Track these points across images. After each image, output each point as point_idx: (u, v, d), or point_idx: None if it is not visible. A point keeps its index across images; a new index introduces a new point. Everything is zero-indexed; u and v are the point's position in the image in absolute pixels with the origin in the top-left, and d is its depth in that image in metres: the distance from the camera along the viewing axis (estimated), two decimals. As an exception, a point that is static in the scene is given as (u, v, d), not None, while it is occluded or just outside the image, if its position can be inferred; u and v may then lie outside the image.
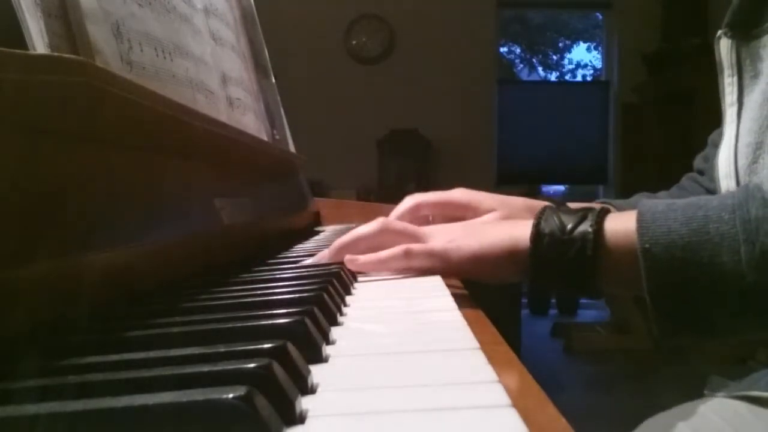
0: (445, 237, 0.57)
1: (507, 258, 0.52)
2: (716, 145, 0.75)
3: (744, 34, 0.60)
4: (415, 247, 0.56)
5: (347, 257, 0.58)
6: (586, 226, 0.49)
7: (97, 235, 0.39)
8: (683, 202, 0.47)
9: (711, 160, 0.77)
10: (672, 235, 0.44)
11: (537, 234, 0.50)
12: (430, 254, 0.56)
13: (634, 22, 4.07)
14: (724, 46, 0.63)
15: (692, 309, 0.45)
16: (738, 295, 0.43)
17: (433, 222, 0.70)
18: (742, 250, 0.42)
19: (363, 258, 0.58)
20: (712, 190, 0.75)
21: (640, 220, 0.46)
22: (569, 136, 4.31)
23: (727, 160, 0.61)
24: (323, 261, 0.62)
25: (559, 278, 0.50)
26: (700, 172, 0.81)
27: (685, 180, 0.83)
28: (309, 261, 0.64)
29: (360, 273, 0.59)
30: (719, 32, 0.63)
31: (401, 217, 0.68)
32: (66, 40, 0.42)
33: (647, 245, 0.45)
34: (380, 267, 0.57)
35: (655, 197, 0.81)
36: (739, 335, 0.48)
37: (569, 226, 0.49)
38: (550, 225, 0.50)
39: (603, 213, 0.50)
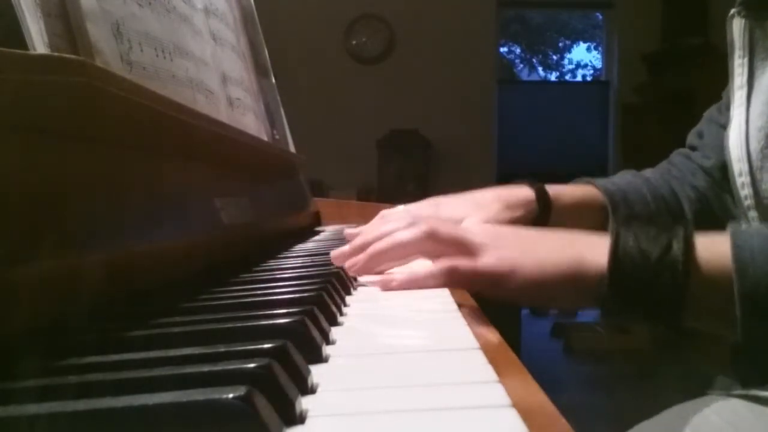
0: (499, 255, 0.49)
1: (572, 285, 0.46)
2: (714, 121, 0.75)
3: (758, 14, 0.58)
4: (461, 266, 0.48)
5: (382, 278, 0.52)
6: (675, 256, 0.43)
7: (97, 234, 0.39)
8: None
9: (706, 136, 0.76)
10: None
11: (615, 262, 0.44)
12: (479, 276, 0.48)
13: (635, 22, 4.07)
14: (737, 26, 0.60)
15: None
16: None
17: None
18: None
19: (399, 279, 0.51)
20: (706, 167, 0.74)
21: (737, 257, 0.41)
22: (569, 136, 4.31)
23: (738, 144, 0.60)
24: (354, 270, 0.55)
25: (640, 311, 0.45)
26: (693, 148, 0.78)
27: (675, 155, 0.81)
28: (336, 255, 0.58)
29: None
30: (732, 11, 0.60)
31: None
32: (66, 41, 0.42)
33: (747, 290, 0.40)
34: (417, 287, 0.50)
35: (641, 176, 0.78)
36: None
37: (654, 256, 0.44)
38: (629, 254, 0.44)
39: (690, 238, 0.44)
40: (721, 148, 0.65)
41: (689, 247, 0.44)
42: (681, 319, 0.44)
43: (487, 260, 0.48)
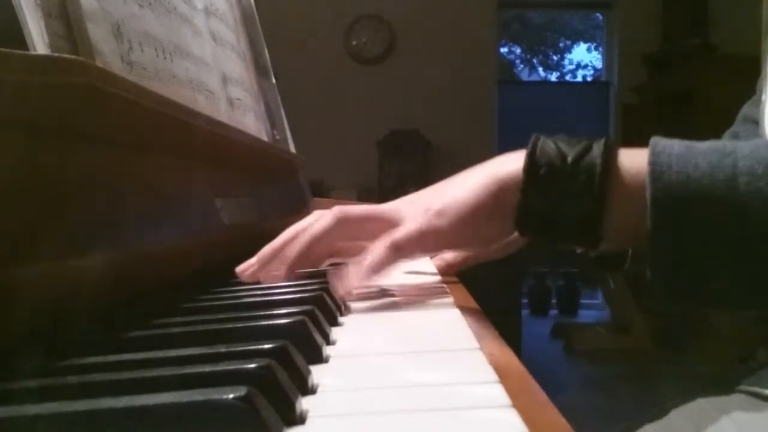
0: (417, 207, 0.47)
1: (496, 204, 0.43)
2: (750, 120, 0.72)
3: None
4: (398, 236, 0.46)
5: (334, 282, 0.46)
6: (593, 158, 0.40)
7: (98, 235, 0.39)
8: (705, 146, 0.39)
9: (742, 137, 0.71)
10: (690, 185, 0.37)
11: (531, 164, 0.41)
12: (419, 236, 0.45)
13: (635, 23, 4.07)
14: None
15: (696, 275, 0.38)
16: (763, 264, 0.36)
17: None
18: None
19: (356, 279, 0.46)
20: None
21: (653, 162, 0.38)
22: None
23: None
24: (274, 277, 0.51)
25: (555, 221, 0.41)
26: None
27: None
28: (241, 270, 0.53)
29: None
30: None
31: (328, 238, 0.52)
32: (66, 41, 0.42)
33: (660, 195, 0.38)
34: (372, 277, 0.46)
35: None
36: (741, 310, 0.43)
37: (571, 156, 0.41)
38: (547, 154, 0.41)
39: (612, 145, 0.41)
40: None
41: (609, 151, 0.41)
42: (597, 232, 0.41)
43: (411, 217, 0.47)
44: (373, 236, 0.48)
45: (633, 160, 0.40)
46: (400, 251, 0.46)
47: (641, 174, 0.39)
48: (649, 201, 0.38)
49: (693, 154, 0.38)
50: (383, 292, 0.52)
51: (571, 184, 0.40)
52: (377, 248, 0.46)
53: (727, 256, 0.37)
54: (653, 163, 0.39)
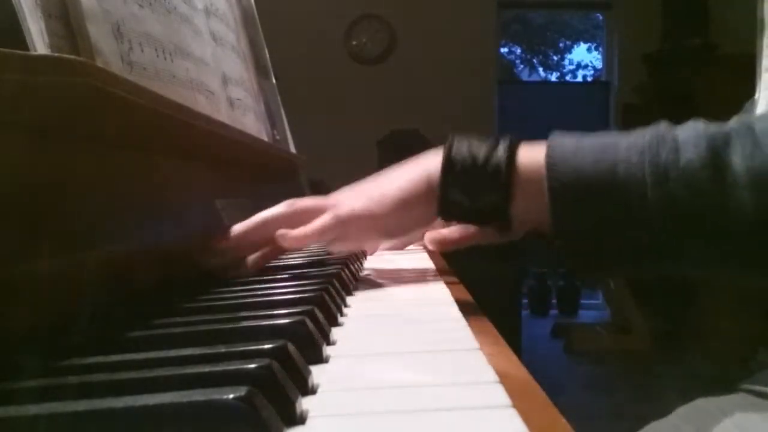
0: (359, 195, 0.55)
1: (426, 195, 0.51)
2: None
3: None
4: (341, 211, 0.54)
5: (279, 232, 0.54)
6: (499, 155, 0.48)
7: (98, 235, 0.39)
8: (593, 140, 0.46)
9: None
10: (579, 174, 0.44)
11: (448, 163, 0.49)
12: (360, 215, 0.53)
13: (635, 23, 4.07)
14: None
15: (597, 249, 0.45)
16: (644, 239, 0.43)
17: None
18: (649, 195, 0.42)
19: (294, 233, 0.54)
20: None
21: (548, 157, 0.45)
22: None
23: None
24: (229, 248, 0.55)
25: (471, 208, 0.49)
26: None
27: None
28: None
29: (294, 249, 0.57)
30: None
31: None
32: (66, 41, 0.42)
33: (555, 184, 0.44)
34: (312, 239, 0.54)
35: None
36: (645, 275, 0.48)
37: (482, 155, 0.48)
38: (461, 153, 0.49)
39: (515, 143, 0.49)
40: None
41: (512, 149, 0.48)
42: (508, 217, 0.48)
43: (353, 202, 0.54)
44: None
45: (533, 155, 0.47)
46: (342, 223, 0.53)
47: (540, 168, 0.46)
48: (546, 190, 0.45)
49: (581, 147, 0.45)
50: (384, 292, 0.52)
51: (481, 179, 0.48)
52: (322, 216, 0.54)
53: (612, 229, 0.44)
54: (549, 156, 0.45)
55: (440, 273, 0.63)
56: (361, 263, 0.73)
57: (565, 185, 0.44)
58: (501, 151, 0.48)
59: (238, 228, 0.56)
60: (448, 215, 0.51)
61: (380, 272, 0.65)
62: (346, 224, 0.54)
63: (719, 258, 0.44)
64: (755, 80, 0.64)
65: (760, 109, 0.60)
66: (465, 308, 0.43)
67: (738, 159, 0.41)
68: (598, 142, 0.46)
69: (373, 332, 0.38)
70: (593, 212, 0.44)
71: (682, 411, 0.54)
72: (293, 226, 0.55)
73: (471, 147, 0.49)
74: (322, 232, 0.54)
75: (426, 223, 0.55)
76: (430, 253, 0.80)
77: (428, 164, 0.51)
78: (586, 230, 0.44)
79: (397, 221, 0.54)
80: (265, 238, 0.56)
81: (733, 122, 0.45)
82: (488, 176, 0.47)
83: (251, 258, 0.57)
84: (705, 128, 0.45)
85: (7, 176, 0.32)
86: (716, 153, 0.42)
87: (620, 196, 0.43)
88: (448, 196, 0.49)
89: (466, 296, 0.52)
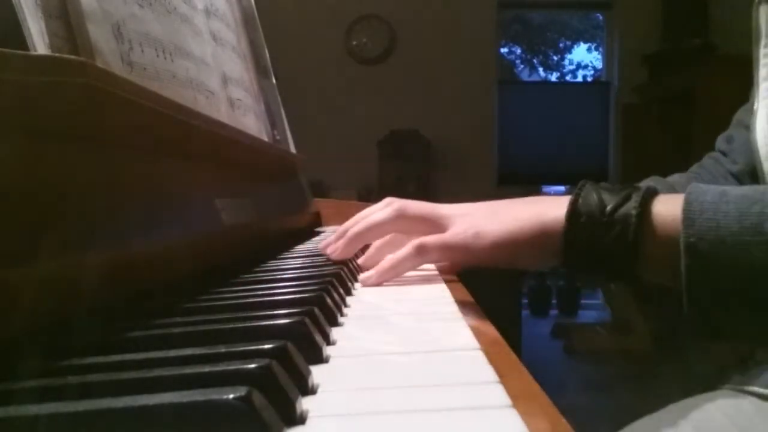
0: (464, 223, 0.52)
1: (537, 242, 0.48)
2: (742, 125, 0.73)
3: None
4: (429, 241, 0.52)
5: (362, 277, 0.55)
6: (629, 208, 0.44)
7: (98, 235, 0.39)
8: (737, 192, 0.42)
9: (735, 140, 0.73)
10: (721, 231, 0.40)
11: (573, 213, 0.46)
12: (448, 248, 0.52)
13: (635, 23, 4.07)
14: (764, 13, 0.59)
15: (732, 314, 0.41)
16: None
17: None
18: None
19: (376, 273, 0.54)
20: (734, 173, 0.72)
21: (686, 210, 0.42)
22: (569, 136, 4.30)
23: (765, 139, 0.58)
24: (336, 255, 0.59)
25: (595, 263, 0.46)
26: (723, 153, 0.76)
27: (707, 159, 0.79)
28: (322, 245, 0.62)
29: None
30: None
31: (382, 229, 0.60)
32: (66, 41, 0.42)
33: (692, 239, 0.40)
34: (395, 274, 0.54)
35: (665, 182, 0.78)
36: None
37: (610, 207, 0.45)
38: (588, 204, 0.46)
39: (650, 194, 0.45)
40: (750, 151, 0.63)
41: (647, 200, 0.45)
42: (635, 273, 0.45)
43: (454, 229, 0.52)
44: (422, 234, 0.54)
45: (668, 208, 0.44)
46: (424, 254, 0.53)
47: (676, 221, 0.42)
48: (682, 246, 0.41)
49: (724, 200, 0.41)
50: (384, 292, 0.52)
51: (607, 233, 0.45)
52: (406, 249, 0.53)
53: (756, 297, 0.39)
54: (686, 210, 0.42)
55: (441, 272, 0.63)
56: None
57: (704, 241, 0.40)
58: (633, 201, 0.45)
59: (344, 230, 0.59)
60: (572, 265, 0.48)
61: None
62: (426, 255, 0.53)
63: None
64: (752, 89, 0.64)
65: (759, 120, 0.60)
66: (465, 308, 0.43)
67: None
68: (742, 195, 0.42)
69: (373, 332, 0.38)
70: (734, 274, 0.39)
71: (680, 410, 0.54)
72: (399, 231, 0.58)
73: (601, 196, 0.46)
74: (398, 264, 0.54)
75: (536, 267, 0.53)
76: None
77: (545, 214, 0.49)
78: (723, 294, 0.40)
79: (495, 262, 0.52)
80: (370, 239, 0.59)
81: None
82: (615, 230, 0.44)
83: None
84: None
85: (7, 176, 0.32)
86: None
87: (766, 258, 0.39)
88: (572, 246, 0.46)
89: (467, 296, 0.52)
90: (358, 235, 0.58)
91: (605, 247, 0.45)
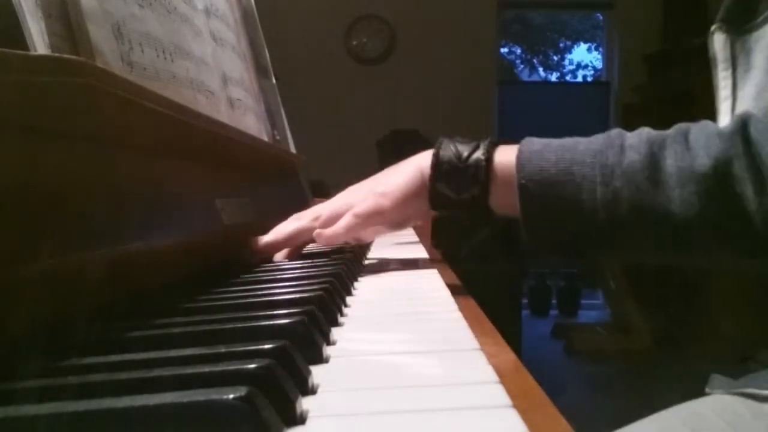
0: (365, 191, 0.64)
1: (420, 188, 0.58)
2: None
3: (737, 29, 0.64)
4: (359, 209, 0.62)
5: (316, 232, 0.65)
6: (479, 155, 0.55)
7: (98, 235, 0.39)
8: (558, 143, 0.53)
9: None
10: (543, 173, 0.51)
11: (437, 162, 0.56)
12: (373, 210, 0.62)
13: (635, 23, 4.07)
14: (719, 41, 0.66)
15: (559, 237, 0.52)
16: (595, 228, 0.50)
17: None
18: (598, 191, 0.49)
19: (327, 232, 0.64)
20: None
21: (518, 158, 0.53)
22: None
23: None
24: (279, 257, 0.68)
25: (456, 200, 0.56)
26: None
27: None
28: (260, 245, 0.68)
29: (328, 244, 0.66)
30: (713, 27, 0.67)
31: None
32: (66, 41, 0.42)
33: (523, 181, 0.51)
34: (341, 236, 0.64)
35: None
36: (589, 259, 0.54)
37: (465, 154, 0.56)
38: (447, 153, 0.56)
39: (492, 144, 0.56)
40: None
41: (491, 148, 0.56)
42: (488, 208, 0.55)
43: (364, 199, 0.63)
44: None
45: (507, 155, 0.55)
46: (359, 219, 0.63)
47: (512, 166, 0.53)
48: (516, 185, 0.52)
49: (547, 150, 0.52)
50: (384, 293, 0.52)
51: (464, 176, 0.55)
52: (345, 217, 0.63)
53: (568, 220, 0.51)
54: (519, 157, 0.53)
55: (441, 273, 0.63)
56: (362, 263, 0.73)
57: (531, 182, 0.51)
58: (481, 150, 0.56)
59: (271, 237, 0.67)
60: (438, 206, 0.58)
61: (381, 273, 0.65)
62: (364, 221, 0.63)
63: (653, 246, 0.51)
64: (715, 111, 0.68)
65: None
66: (465, 308, 0.43)
67: (671, 161, 0.48)
68: (560, 145, 0.53)
69: (374, 332, 0.38)
70: (554, 206, 0.51)
71: (680, 411, 0.54)
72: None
73: (456, 147, 0.57)
74: (348, 230, 0.63)
75: (423, 214, 0.62)
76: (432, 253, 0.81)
77: (421, 163, 0.59)
78: (547, 221, 0.52)
79: (400, 214, 0.62)
80: (295, 245, 0.69)
81: (673, 128, 0.51)
82: (470, 173, 0.55)
83: (278, 255, 0.69)
84: (648, 133, 0.52)
85: (7, 176, 0.32)
86: (653, 155, 0.49)
87: (575, 192, 0.50)
88: (437, 189, 0.57)
89: (467, 296, 0.52)
90: (281, 241, 0.67)
91: (465, 187, 0.55)
